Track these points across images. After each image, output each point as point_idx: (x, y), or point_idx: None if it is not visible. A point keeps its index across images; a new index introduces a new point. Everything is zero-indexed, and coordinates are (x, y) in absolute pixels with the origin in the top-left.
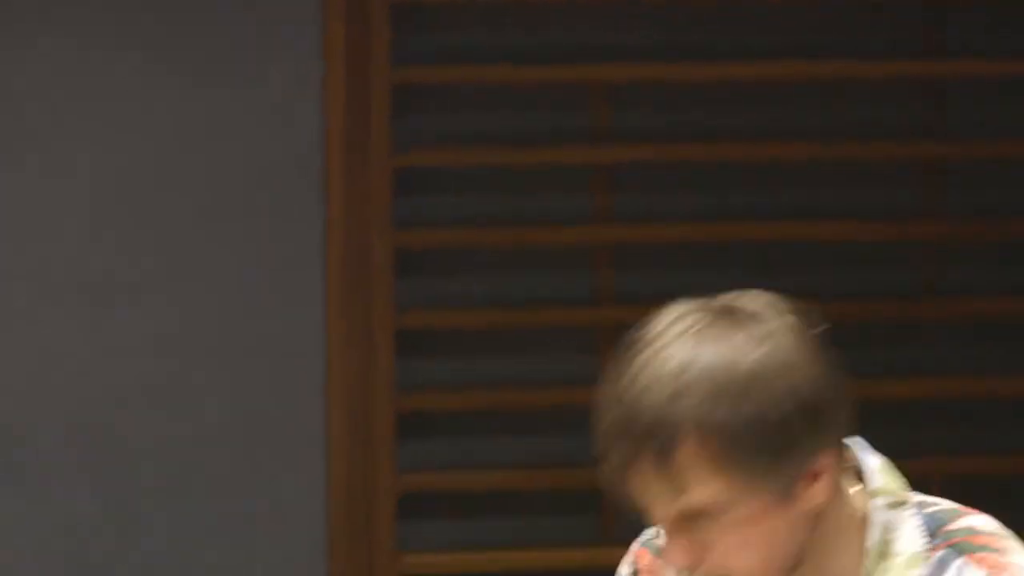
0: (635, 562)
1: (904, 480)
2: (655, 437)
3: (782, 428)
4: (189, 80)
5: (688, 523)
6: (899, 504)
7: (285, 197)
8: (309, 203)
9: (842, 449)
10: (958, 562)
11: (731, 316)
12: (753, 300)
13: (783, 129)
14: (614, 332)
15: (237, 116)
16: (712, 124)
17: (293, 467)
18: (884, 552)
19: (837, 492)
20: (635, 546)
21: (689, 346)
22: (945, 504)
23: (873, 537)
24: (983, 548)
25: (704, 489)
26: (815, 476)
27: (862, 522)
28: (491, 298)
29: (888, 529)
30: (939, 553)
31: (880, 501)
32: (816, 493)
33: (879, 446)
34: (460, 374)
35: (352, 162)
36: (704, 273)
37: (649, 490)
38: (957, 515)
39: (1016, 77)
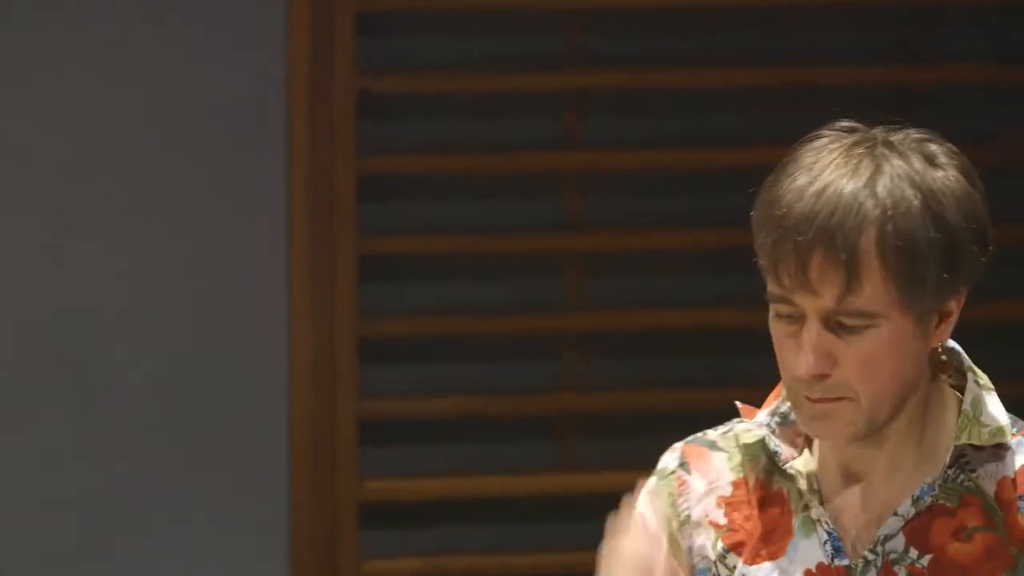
0: (683, 455)
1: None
2: (846, 226)
3: (958, 249)
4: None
5: (833, 329)
6: (987, 387)
7: (245, 130)
8: (271, 137)
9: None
10: None
11: (914, 142)
12: (922, 138)
13: (761, 53)
14: (582, 260)
15: (197, 46)
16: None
17: (257, 395)
18: (977, 418)
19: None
20: (679, 445)
21: (881, 158)
22: None
23: (967, 402)
24: None
25: (872, 289)
26: (946, 315)
27: (954, 395)
28: (457, 225)
29: (979, 401)
30: (1017, 439)
31: (974, 378)
32: (942, 332)
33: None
34: (423, 300)
35: (317, 84)
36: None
37: (824, 276)
38: None
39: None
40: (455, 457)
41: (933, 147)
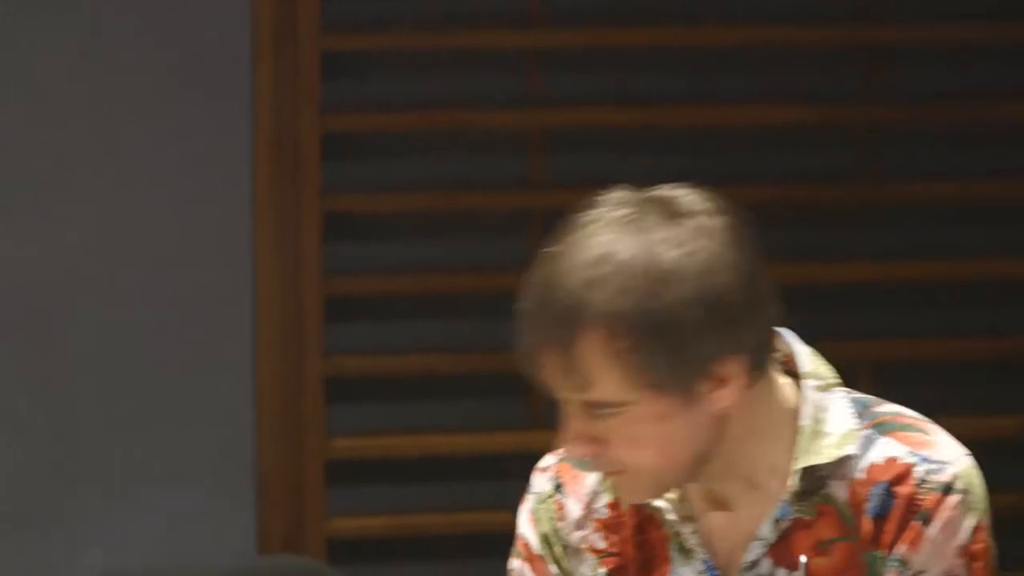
0: (557, 476)
1: (832, 368)
2: (564, 325)
3: (688, 331)
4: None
5: (589, 415)
6: (829, 387)
7: (212, 81)
8: (235, 97)
9: (759, 354)
10: (881, 441)
11: (664, 210)
12: (690, 196)
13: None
14: (544, 218)
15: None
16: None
17: (223, 354)
18: (816, 431)
19: (767, 387)
20: (551, 463)
21: (614, 236)
22: (869, 396)
23: (805, 417)
24: (908, 428)
25: (605, 383)
26: (721, 381)
27: (793, 410)
28: (421, 183)
29: (819, 409)
30: (865, 432)
31: (811, 383)
32: (721, 397)
33: (817, 329)
34: (388, 258)
35: (281, 45)
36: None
37: (555, 376)
38: (882, 401)
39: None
40: (421, 415)
41: (687, 220)
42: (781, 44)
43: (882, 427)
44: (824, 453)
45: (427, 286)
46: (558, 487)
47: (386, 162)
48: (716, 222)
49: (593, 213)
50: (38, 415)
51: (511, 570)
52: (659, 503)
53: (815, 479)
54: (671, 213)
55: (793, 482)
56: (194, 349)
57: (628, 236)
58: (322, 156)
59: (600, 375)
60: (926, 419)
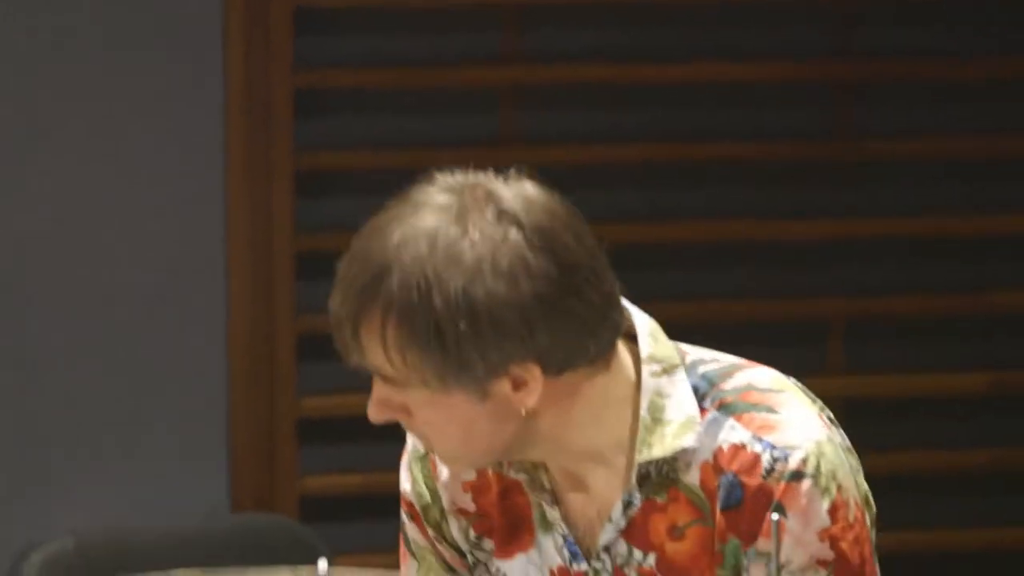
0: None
1: (672, 346)
2: (356, 302)
3: (467, 341)
4: None
5: (387, 384)
6: (670, 369)
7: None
8: (208, 48)
9: (569, 357)
10: (727, 424)
11: (478, 207)
12: (517, 192)
13: None
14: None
15: None
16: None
17: (194, 313)
18: (657, 419)
19: (602, 370)
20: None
21: (429, 224)
22: (725, 360)
23: (643, 406)
24: (754, 407)
25: (388, 366)
26: (517, 383)
27: (636, 390)
28: (393, 139)
29: (659, 395)
30: (709, 415)
31: (650, 368)
32: (521, 398)
33: (792, 287)
34: (360, 217)
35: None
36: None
37: (345, 344)
38: (735, 370)
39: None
40: None
41: (499, 222)
42: (757, 1)
43: (727, 408)
44: (663, 444)
45: None
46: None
47: (358, 119)
48: (535, 222)
49: (422, 193)
50: (3, 376)
51: (405, 521)
52: (516, 475)
53: (659, 469)
54: (493, 210)
55: (632, 476)
56: (164, 309)
57: (440, 227)
58: (294, 113)
59: (380, 357)
60: (779, 388)
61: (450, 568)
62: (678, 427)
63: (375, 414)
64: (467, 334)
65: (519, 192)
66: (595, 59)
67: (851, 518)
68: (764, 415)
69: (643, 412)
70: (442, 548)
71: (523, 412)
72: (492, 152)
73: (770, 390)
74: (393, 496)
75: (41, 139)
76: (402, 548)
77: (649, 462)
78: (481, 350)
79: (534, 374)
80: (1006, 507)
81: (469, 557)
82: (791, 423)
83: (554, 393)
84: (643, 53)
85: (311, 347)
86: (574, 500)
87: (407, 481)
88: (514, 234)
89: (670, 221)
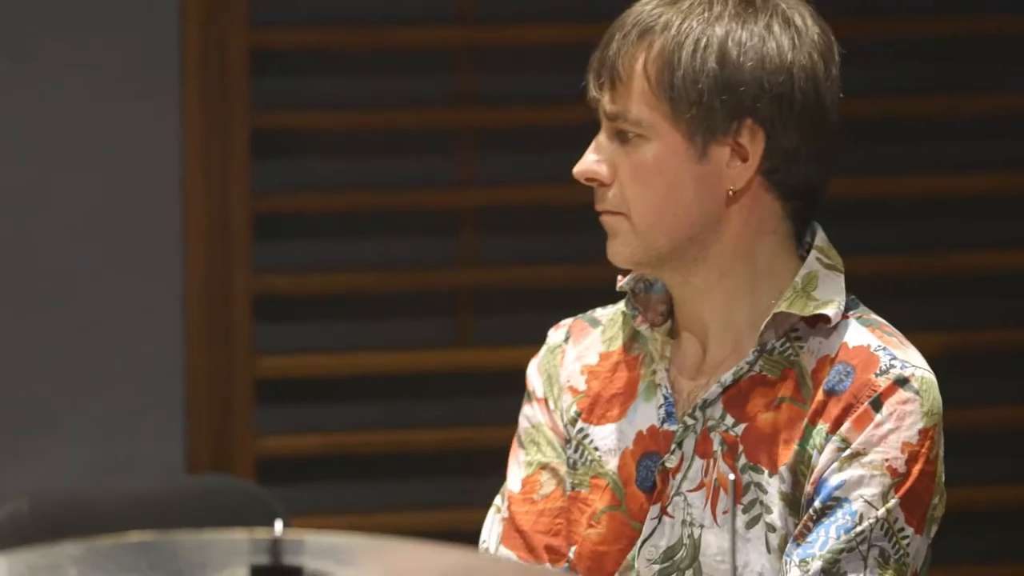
0: (569, 330)
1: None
2: (628, 35)
3: (721, 80)
4: None
5: (613, 137)
6: (832, 267)
7: None
8: (164, 10)
9: (786, 163)
10: (861, 330)
11: (768, 9)
12: (801, 11)
13: None
14: (468, 136)
15: None
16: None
17: (150, 272)
18: (807, 291)
19: (777, 237)
20: (567, 320)
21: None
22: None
23: (799, 275)
24: (889, 333)
25: (633, 98)
26: (739, 153)
27: (796, 267)
28: (347, 99)
29: (816, 277)
30: (849, 320)
31: (817, 255)
32: (735, 172)
33: None
34: (316, 176)
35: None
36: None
37: (598, 76)
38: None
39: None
40: (351, 334)
41: (787, 13)
42: None
43: (864, 321)
44: (803, 308)
45: (356, 204)
46: (567, 338)
47: (317, 79)
48: (808, 28)
49: None
50: None
51: (523, 415)
52: (646, 332)
53: (792, 336)
54: (781, 16)
55: (763, 326)
56: (120, 268)
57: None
58: (251, 72)
59: (633, 83)
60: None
61: (558, 449)
62: (822, 303)
63: (587, 167)
64: (717, 77)
65: (801, 11)
66: (551, 20)
67: (931, 456)
68: (894, 338)
69: (797, 279)
70: (558, 421)
71: (729, 190)
72: (448, 113)
73: (900, 335)
74: (351, 456)
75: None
76: (514, 444)
77: (782, 314)
78: (731, 89)
79: (756, 146)
80: (962, 469)
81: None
82: (917, 355)
83: (747, 213)
84: (599, 14)
85: (268, 307)
86: (682, 366)
87: (536, 373)
88: (802, 37)
89: None
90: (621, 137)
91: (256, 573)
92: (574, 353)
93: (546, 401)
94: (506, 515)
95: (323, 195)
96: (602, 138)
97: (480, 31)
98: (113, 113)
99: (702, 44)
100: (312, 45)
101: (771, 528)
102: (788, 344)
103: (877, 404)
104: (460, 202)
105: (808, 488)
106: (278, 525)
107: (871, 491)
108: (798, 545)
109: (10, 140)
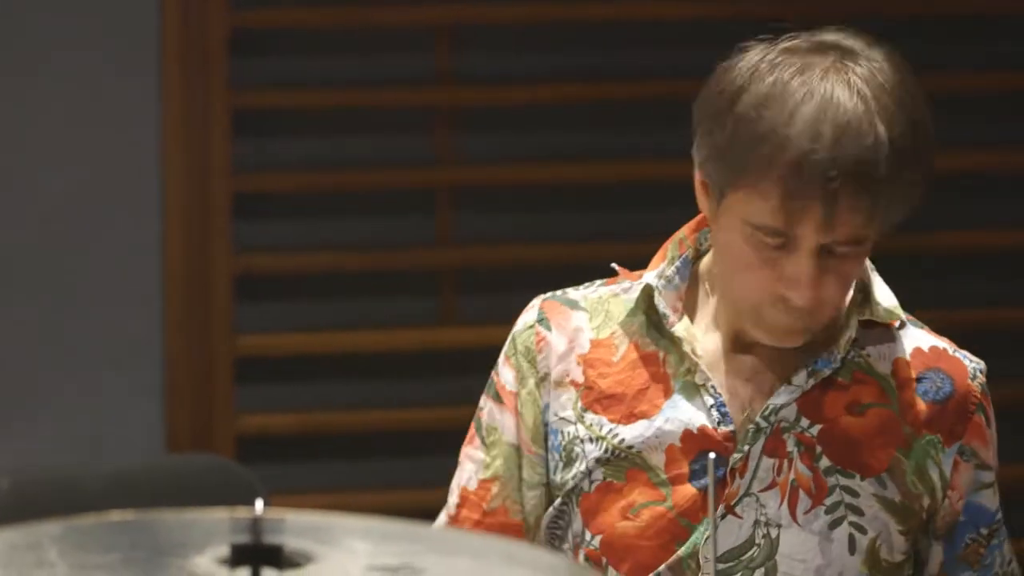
0: (542, 311)
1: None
2: (868, 164)
3: (917, 178)
4: None
5: (826, 255)
6: (873, 269)
7: None
8: None
9: None
10: (921, 332)
11: (855, 58)
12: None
13: None
14: (449, 115)
15: None
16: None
17: (129, 252)
18: (866, 295)
19: None
20: (537, 301)
21: (848, 88)
22: None
23: (859, 277)
24: (933, 330)
25: (878, 222)
26: None
27: None
28: (326, 77)
29: (867, 278)
30: (903, 321)
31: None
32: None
33: None
34: (295, 156)
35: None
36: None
37: (850, 218)
38: None
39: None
40: (331, 313)
41: (904, 75)
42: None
43: (914, 322)
44: (881, 314)
45: (336, 183)
46: (541, 319)
47: (296, 58)
48: (907, 74)
49: (791, 62)
50: None
51: (480, 408)
52: (680, 335)
53: (856, 341)
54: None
55: (850, 330)
56: (99, 248)
57: (865, 87)
58: (231, 51)
59: (878, 212)
60: None
61: (511, 463)
62: (889, 308)
63: (814, 297)
64: (917, 177)
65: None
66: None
67: None
68: (943, 337)
69: (859, 281)
70: (527, 419)
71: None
72: (429, 92)
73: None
74: (331, 436)
75: None
76: (471, 434)
77: (865, 321)
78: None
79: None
80: None
81: (562, 437)
82: (965, 355)
83: None
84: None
85: (248, 286)
86: (733, 370)
87: (509, 369)
88: (912, 84)
89: (620, 160)
90: (829, 255)
91: (237, 552)
92: (563, 341)
93: (516, 396)
94: (452, 512)
95: (303, 174)
96: (812, 267)
97: (460, 9)
98: (93, 93)
99: (914, 141)
100: (292, 24)
101: (860, 530)
102: (852, 348)
103: (988, 418)
104: (441, 181)
105: (955, 506)
106: (258, 504)
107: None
108: (975, 570)
109: None
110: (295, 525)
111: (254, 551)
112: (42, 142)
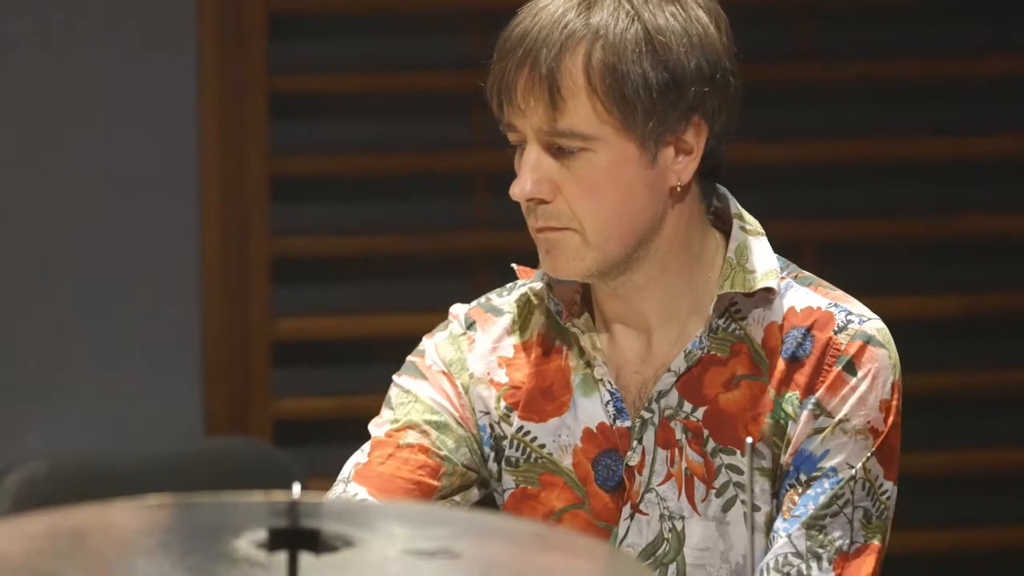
0: (468, 318)
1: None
2: (551, 46)
3: (671, 82)
4: None
5: (552, 153)
6: (754, 233)
7: None
8: None
9: (718, 146)
10: (802, 290)
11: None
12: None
13: None
14: (482, 96)
15: None
16: None
17: (168, 236)
18: (741, 264)
19: (702, 221)
20: (461, 309)
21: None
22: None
23: (730, 248)
24: (826, 287)
25: (580, 109)
26: (684, 149)
27: (718, 255)
28: (362, 61)
29: (745, 247)
30: (786, 280)
31: (739, 224)
32: (681, 170)
33: (759, 208)
34: (333, 139)
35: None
36: None
37: (527, 98)
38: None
39: None
40: (368, 297)
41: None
42: None
43: (802, 279)
44: (745, 284)
45: (373, 167)
46: (470, 325)
47: (334, 42)
48: (705, 4)
49: None
50: None
51: (396, 385)
52: (573, 328)
53: (732, 311)
54: None
55: (711, 308)
56: (137, 232)
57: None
58: (269, 35)
59: (574, 97)
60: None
61: (433, 417)
62: (761, 275)
63: (527, 187)
64: (667, 80)
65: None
66: None
67: (899, 407)
68: (836, 292)
69: (730, 254)
70: (463, 401)
71: (674, 187)
72: (466, 75)
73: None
74: (368, 419)
75: (13, 60)
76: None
77: (727, 295)
78: (677, 91)
79: (700, 139)
80: (977, 430)
81: (491, 430)
82: (861, 305)
83: (683, 205)
84: None
85: (285, 270)
86: (624, 360)
87: (436, 350)
88: (687, 8)
89: None
90: (560, 152)
91: (274, 536)
92: (486, 343)
93: (449, 375)
94: (364, 460)
95: (340, 158)
96: (534, 156)
97: None
98: (131, 77)
99: (641, 47)
100: (329, 8)
101: (754, 507)
102: (731, 320)
103: (851, 367)
104: (477, 164)
105: (786, 458)
106: (296, 488)
107: (854, 455)
108: (785, 519)
109: (27, 105)
110: (332, 509)
111: (291, 535)
112: (80, 125)
